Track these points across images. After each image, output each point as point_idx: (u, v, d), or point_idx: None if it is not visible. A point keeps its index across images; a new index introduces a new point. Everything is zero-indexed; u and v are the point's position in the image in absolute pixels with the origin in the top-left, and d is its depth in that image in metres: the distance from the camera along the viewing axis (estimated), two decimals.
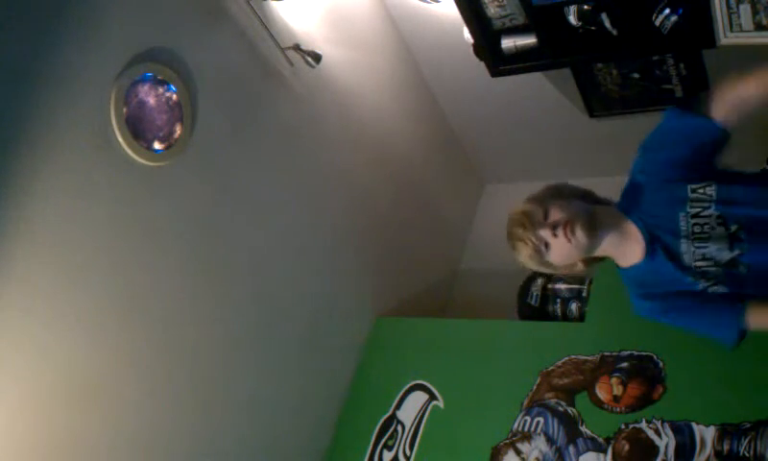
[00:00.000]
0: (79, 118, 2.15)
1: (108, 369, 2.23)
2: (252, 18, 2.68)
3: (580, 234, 1.60)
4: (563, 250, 1.62)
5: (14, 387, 2.01)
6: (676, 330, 2.38)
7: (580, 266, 1.70)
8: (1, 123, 1.96)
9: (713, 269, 1.60)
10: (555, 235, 1.60)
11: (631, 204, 1.71)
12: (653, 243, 1.65)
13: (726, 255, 1.59)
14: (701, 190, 1.62)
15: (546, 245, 1.63)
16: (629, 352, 2.49)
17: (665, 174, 1.67)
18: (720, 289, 1.60)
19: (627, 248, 1.68)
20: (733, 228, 1.59)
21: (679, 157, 1.68)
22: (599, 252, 1.69)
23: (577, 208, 1.65)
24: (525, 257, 1.67)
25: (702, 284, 1.61)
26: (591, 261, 1.72)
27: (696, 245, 1.61)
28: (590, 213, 1.65)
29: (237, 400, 2.63)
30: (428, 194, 3.68)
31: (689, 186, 1.63)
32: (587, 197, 1.73)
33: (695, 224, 1.61)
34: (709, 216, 1.60)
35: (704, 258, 1.60)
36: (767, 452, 2.05)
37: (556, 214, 1.62)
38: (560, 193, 1.70)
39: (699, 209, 1.61)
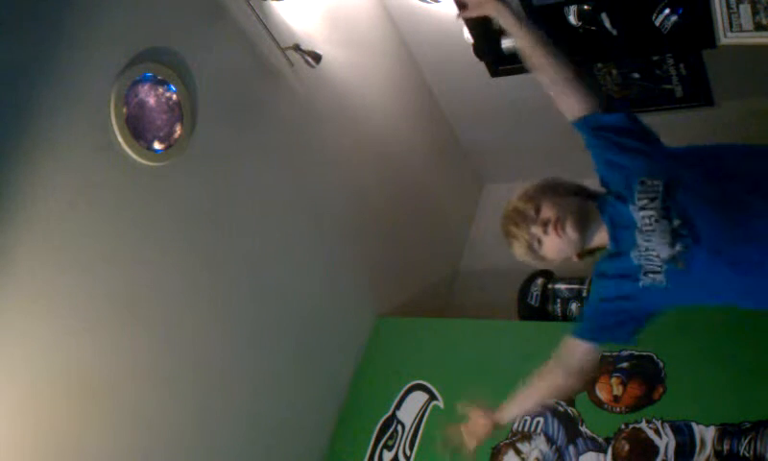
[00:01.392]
0: (79, 118, 2.15)
1: (107, 370, 2.23)
2: (251, 18, 2.68)
3: (570, 231, 1.64)
4: (554, 246, 1.67)
5: (15, 387, 2.01)
6: (677, 330, 2.39)
7: (574, 259, 1.74)
8: (1, 123, 1.96)
9: (657, 262, 1.60)
10: (546, 232, 1.65)
11: (605, 196, 1.74)
12: (615, 237, 1.67)
13: (667, 252, 1.57)
14: (649, 182, 1.61)
15: (539, 241, 1.67)
16: (629, 352, 2.49)
17: (621, 170, 1.69)
18: (658, 279, 1.60)
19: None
20: (676, 223, 1.56)
21: (630, 152, 1.70)
22: (593, 244, 1.72)
23: (568, 205, 1.68)
24: (520, 253, 1.73)
25: (643, 281, 1.62)
26: (586, 253, 1.75)
27: (644, 237, 1.61)
28: (581, 209, 1.69)
29: (237, 399, 2.63)
30: (428, 194, 3.68)
31: (638, 178, 1.63)
32: (579, 192, 1.75)
33: (643, 216, 1.61)
34: (654, 208, 1.59)
35: (647, 251, 1.60)
36: (767, 452, 2.05)
37: (547, 211, 1.66)
38: (552, 189, 1.72)
39: (645, 201, 1.60)
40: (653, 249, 1.60)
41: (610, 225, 1.68)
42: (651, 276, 1.61)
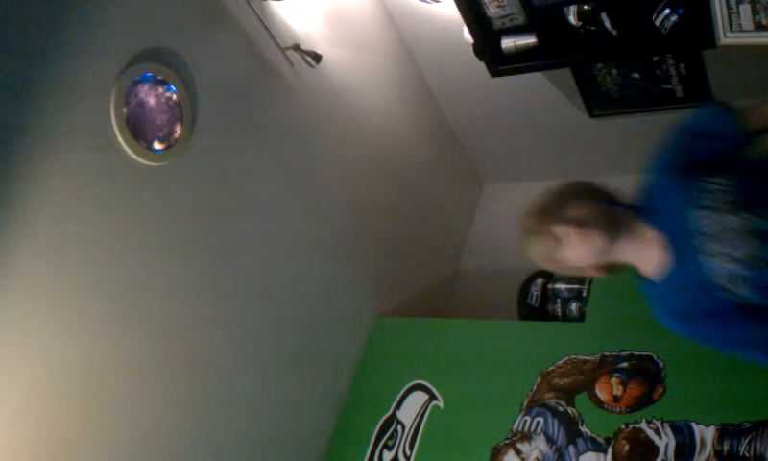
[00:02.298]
0: (79, 118, 2.15)
1: (107, 369, 2.23)
2: (252, 18, 2.68)
3: (595, 237, 1.55)
4: (576, 250, 1.57)
5: (14, 387, 2.01)
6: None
7: (591, 272, 1.63)
8: (1, 123, 1.96)
9: (733, 266, 1.51)
10: (569, 234, 1.56)
11: (650, 206, 1.64)
12: (678, 249, 1.57)
13: (741, 251, 1.50)
14: (712, 180, 1.55)
15: (559, 241, 1.57)
16: (629, 352, 2.49)
17: (684, 173, 1.61)
18: (749, 294, 1.51)
19: (647, 255, 1.61)
20: (743, 216, 1.50)
21: (702, 159, 1.62)
22: (617, 258, 1.62)
23: (596, 209, 1.59)
24: (535, 252, 1.62)
25: (725, 294, 1.52)
26: (606, 268, 1.64)
27: (714, 240, 1.52)
28: (610, 216, 1.59)
29: (237, 399, 2.63)
30: (428, 194, 3.68)
31: (701, 178, 1.57)
32: (610, 198, 1.65)
33: (707, 218, 1.53)
34: (719, 209, 1.52)
35: (719, 254, 1.52)
36: (767, 452, 2.05)
37: (573, 212, 1.57)
38: (581, 191, 1.64)
39: (709, 202, 1.54)
40: (725, 251, 1.51)
41: (667, 237, 1.58)
42: (735, 291, 1.52)
